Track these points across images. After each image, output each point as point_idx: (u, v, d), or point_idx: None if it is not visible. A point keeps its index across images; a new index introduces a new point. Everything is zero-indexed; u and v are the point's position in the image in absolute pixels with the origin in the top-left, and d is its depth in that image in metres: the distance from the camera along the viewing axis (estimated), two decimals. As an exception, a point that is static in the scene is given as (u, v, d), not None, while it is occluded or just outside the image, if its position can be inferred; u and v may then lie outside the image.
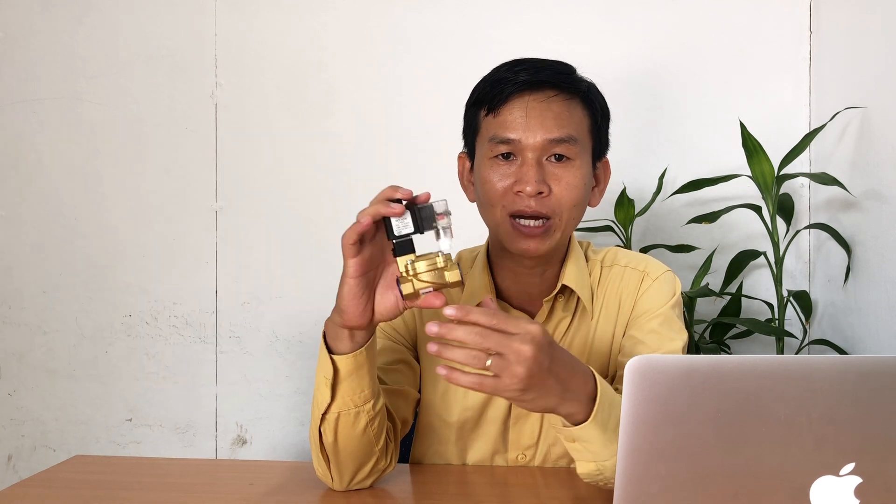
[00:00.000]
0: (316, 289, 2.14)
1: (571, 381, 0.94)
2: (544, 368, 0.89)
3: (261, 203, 2.16)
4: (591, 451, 0.99)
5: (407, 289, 0.96)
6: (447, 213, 0.96)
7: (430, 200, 0.97)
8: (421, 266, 0.96)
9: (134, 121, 2.18)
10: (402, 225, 0.95)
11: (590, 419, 0.95)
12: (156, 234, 2.19)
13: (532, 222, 1.16)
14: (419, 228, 0.96)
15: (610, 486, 1.01)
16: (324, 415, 1.06)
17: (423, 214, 0.95)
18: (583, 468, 1.02)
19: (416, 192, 0.97)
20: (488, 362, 0.87)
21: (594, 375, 0.97)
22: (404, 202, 0.95)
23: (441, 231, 0.96)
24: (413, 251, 0.96)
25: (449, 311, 0.88)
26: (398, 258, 0.96)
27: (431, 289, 0.96)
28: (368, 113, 2.13)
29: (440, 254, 0.96)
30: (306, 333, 2.16)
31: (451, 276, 0.96)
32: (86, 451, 2.19)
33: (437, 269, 0.96)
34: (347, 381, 1.04)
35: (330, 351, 1.04)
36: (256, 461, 1.49)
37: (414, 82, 2.12)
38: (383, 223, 0.96)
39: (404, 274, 0.96)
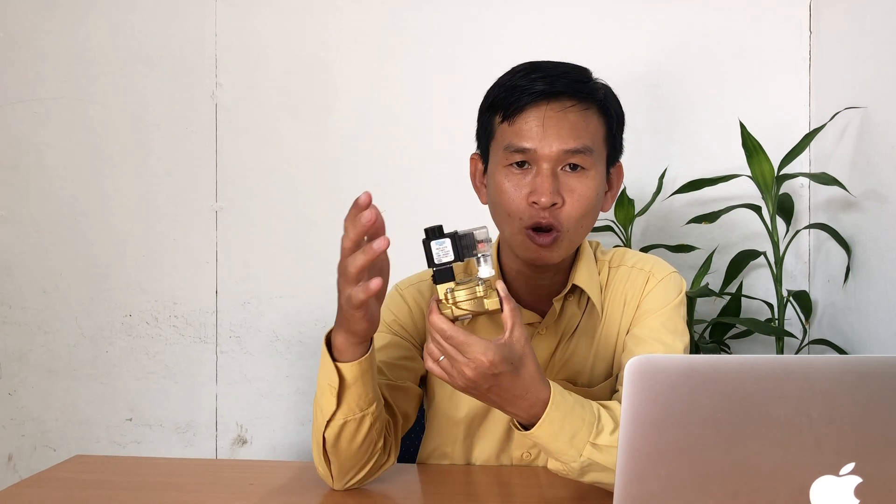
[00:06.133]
0: (316, 289, 2.14)
1: (510, 405, 1.01)
2: (482, 390, 0.98)
3: (261, 203, 2.16)
4: (547, 450, 1.04)
5: (447, 315, 0.96)
6: (487, 241, 0.97)
7: (471, 229, 0.97)
8: (461, 294, 0.96)
9: (134, 121, 2.18)
10: (443, 253, 0.95)
11: (533, 428, 1.01)
12: (156, 234, 2.19)
13: (544, 233, 1.16)
14: (459, 256, 0.95)
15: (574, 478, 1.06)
16: (329, 421, 1.07)
17: (464, 242, 0.95)
18: (550, 464, 1.07)
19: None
20: (441, 358, 0.98)
21: (548, 401, 1.00)
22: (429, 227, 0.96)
23: (481, 258, 0.97)
24: (453, 278, 0.96)
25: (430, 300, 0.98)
26: (438, 285, 0.96)
27: (470, 316, 0.97)
28: (368, 113, 2.13)
29: (480, 282, 0.96)
30: (306, 333, 2.16)
31: (491, 303, 0.96)
32: (86, 450, 2.19)
33: (477, 297, 0.96)
34: (353, 387, 1.05)
35: (334, 359, 1.04)
36: (256, 461, 1.50)
37: (414, 82, 2.12)
38: (423, 248, 0.95)
39: (444, 301, 0.96)
